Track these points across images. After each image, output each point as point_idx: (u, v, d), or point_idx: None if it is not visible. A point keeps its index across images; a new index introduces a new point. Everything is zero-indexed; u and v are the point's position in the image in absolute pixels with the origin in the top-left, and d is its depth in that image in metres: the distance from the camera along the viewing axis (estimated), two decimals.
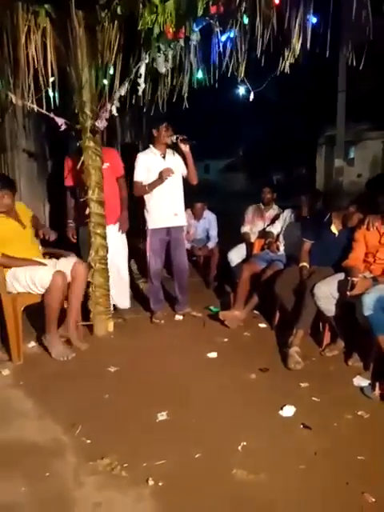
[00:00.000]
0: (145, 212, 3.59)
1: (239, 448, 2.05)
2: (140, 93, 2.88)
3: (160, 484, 1.82)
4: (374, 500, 1.72)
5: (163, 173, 3.41)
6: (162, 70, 2.77)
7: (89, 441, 2.11)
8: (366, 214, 3.01)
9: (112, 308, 3.58)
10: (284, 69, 2.43)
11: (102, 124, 3.10)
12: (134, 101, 3.11)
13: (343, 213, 3.18)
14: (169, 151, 3.55)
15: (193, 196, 3.82)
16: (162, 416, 2.29)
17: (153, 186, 3.47)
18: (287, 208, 4.08)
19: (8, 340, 2.95)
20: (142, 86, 2.81)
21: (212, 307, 3.92)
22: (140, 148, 4.24)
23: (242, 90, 3.08)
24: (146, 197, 3.54)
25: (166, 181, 3.44)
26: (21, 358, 2.95)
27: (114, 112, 3.04)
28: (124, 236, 3.65)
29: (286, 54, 2.35)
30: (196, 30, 2.51)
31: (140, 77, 2.81)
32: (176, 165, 3.53)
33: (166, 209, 3.52)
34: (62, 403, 2.43)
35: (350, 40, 2.24)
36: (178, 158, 3.56)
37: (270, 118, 17.63)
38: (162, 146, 3.51)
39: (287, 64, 2.39)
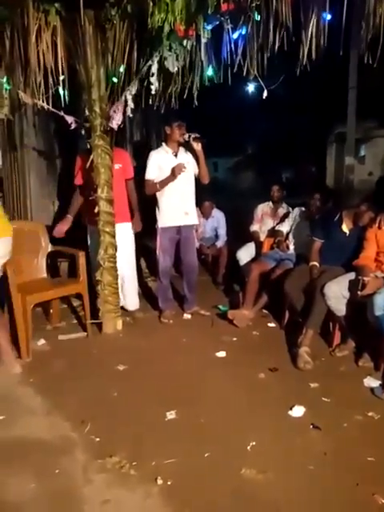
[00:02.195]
0: (156, 210, 3.59)
1: (248, 447, 2.04)
2: (153, 92, 2.89)
3: (169, 483, 1.82)
4: None
5: (175, 169, 3.39)
6: (173, 69, 2.76)
7: (98, 439, 2.12)
8: (378, 213, 2.98)
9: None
10: (301, 67, 2.39)
11: (115, 125, 3.12)
12: (144, 100, 3.11)
13: (354, 211, 3.15)
14: (181, 150, 3.54)
15: (201, 194, 3.82)
16: (171, 415, 2.29)
17: (164, 183, 3.46)
18: (297, 206, 4.06)
19: (17, 337, 2.97)
20: (155, 85, 2.81)
21: (220, 306, 3.91)
22: (154, 146, 4.23)
23: (251, 88, 3.05)
24: (157, 195, 3.54)
25: (178, 179, 3.43)
26: (29, 355, 2.98)
27: (129, 113, 3.05)
28: (132, 237, 3.64)
29: (303, 51, 2.31)
30: (208, 28, 2.50)
31: (152, 75, 2.80)
32: (189, 163, 3.51)
33: (177, 207, 3.51)
34: (71, 401, 2.45)
35: (362, 37, 2.20)
36: (190, 157, 3.55)
37: (279, 115, 17.51)
38: (175, 144, 3.49)
39: (304, 62, 2.35)
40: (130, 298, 3.68)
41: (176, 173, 3.39)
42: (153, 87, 2.84)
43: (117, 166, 3.38)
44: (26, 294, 2.97)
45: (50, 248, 3.46)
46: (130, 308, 3.70)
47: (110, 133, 3.22)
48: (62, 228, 3.52)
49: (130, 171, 3.59)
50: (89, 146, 3.25)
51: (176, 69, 2.79)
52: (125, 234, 3.53)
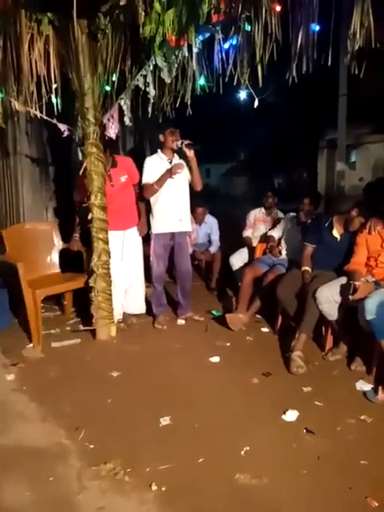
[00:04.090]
0: (150, 216, 3.62)
1: (242, 452, 2.05)
2: (152, 100, 2.94)
3: (163, 489, 1.82)
4: (377, 504, 1.72)
5: (173, 168, 3.42)
6: (168, 79, 2.81)
7: (92, 445, 2.11)
8: (368, 218, 3.02)
9: (121, 316, 3.63)
10: (291, 78, 2.44)
11: (113, 134, 3.16)
12: (140, 108, 3.16)
13: (345, 217, 3.19)
14: (176, 157, 3.57)
15: (194, 200, 3.85)
16: (165, 421, 2.30)
17: (161, 181, 3.45)
18: (289, 212, 4.10)
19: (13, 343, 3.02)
20: (152, 93, 2.86)
21: (214, 311, 3.92)
22: (147, 154, 4.27)
23: (243, 95, 3.09)
24: (151, 201, 3.56)
25: (172, 186, 3.46)
26: (40, 343, 3.23)
27: (128, 122, 3.10)
28: (140, 241, 3.70)
29: (293, 62, 2.36)
30: (201, 39, 2.54)
31: (148, 85, 2.85)
32: (182, 170, 3.55)
33: (171, 214, 3.53)
34: (65, 407, 2.44)
35: (349, 48, 2.25)
36: (183, 164, 3.58)
37: (271, 121, 17.66)
38: (169, 151, 3.52)
39: (294, 72, 2.40)
40: (139, 301, 3.73)
41: (173, 171, 3.41)
42: (150, 96, 2.89)
43: (123, 178, 3.47)
44: (35, 288, 3.22)
45: (61, 246, 3.75)
46: (137, 311, 3.74)
47: (108, 141, 3.25)
48: (73, 247, 3.70)
49: (136, 177, 3.63)
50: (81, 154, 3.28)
51: (170, 79, 2.84)
52: (135, 238, 3.63)
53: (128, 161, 3.64)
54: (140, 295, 3.75)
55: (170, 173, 3.43)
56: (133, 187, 3.63)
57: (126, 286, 3.62)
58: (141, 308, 3.76)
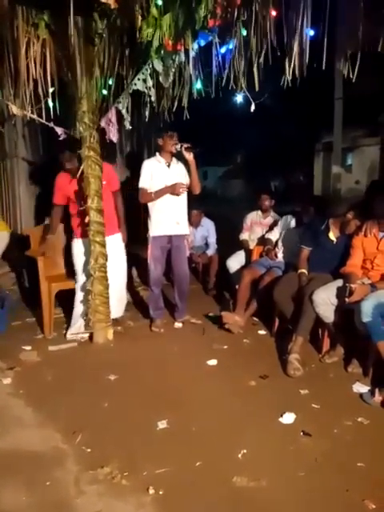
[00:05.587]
0: (148, 219, 3.62)
1: (239, 455, 2.05)
2: (153, 104, 2.96)
3: (160, 492, 1.82)
4: (374, 506, 1.72)
5: (176, 188, 3.43)
6: (166, 84, 2.82)
7: (89, 449, 2.11)
8: (364, 221, 3.04)
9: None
10: (286, 82, 2.46)
11: (114, 138, 3.18)
12: (139, 112, 3.18)
13: (341, 219, 3.21)
14: (174, 160, 3.57)
15: (190, 203, 3.86)
16: (162, 424, 2.29)
17: (160, 194, 3.47)
18: (285, 214, 4.11)
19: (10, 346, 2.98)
20: (153, 97, 2.88)
21: (211, 314, 3.93)
22: (145, 157, 4.29)
23: (239, 98, 3.11)
24: (149, 204, 3.56)
25: None
26: (51, 332, 3.54)
27: (128, 126, 3.12)
28: (123, 247, 3.65)
29: (289, 66, 2.38)
30: (201, 44, 2.56)
31: (149, 89, 2.87)
32: (180, 173, 3.55)
33: (169, 217, 3.53)
34: (61, 411, 2.43)
35: (345, 51, 2.27)
36: (182, 167, 3.58)
37: (267, 124, 17.74)
38: (167, 154, 3.52)
39: (289, 77, 2.42)
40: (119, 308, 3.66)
41: (176, 191, 3.43)
42: (151, 100, 2.92)
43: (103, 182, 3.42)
44: (51, 282, 3.57)
45: None
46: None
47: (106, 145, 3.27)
48: (46, 251, 3.59)
49: (116, 184, 3.61)
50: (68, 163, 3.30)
51: (168, 83, 2.86)
52: (116, 245, 3.55)
53: (108, 167, 3.55)
54: (120, 303, 3.65)
55: (172, 191, 3.45)
56: (112, 194, 3.55)
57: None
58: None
